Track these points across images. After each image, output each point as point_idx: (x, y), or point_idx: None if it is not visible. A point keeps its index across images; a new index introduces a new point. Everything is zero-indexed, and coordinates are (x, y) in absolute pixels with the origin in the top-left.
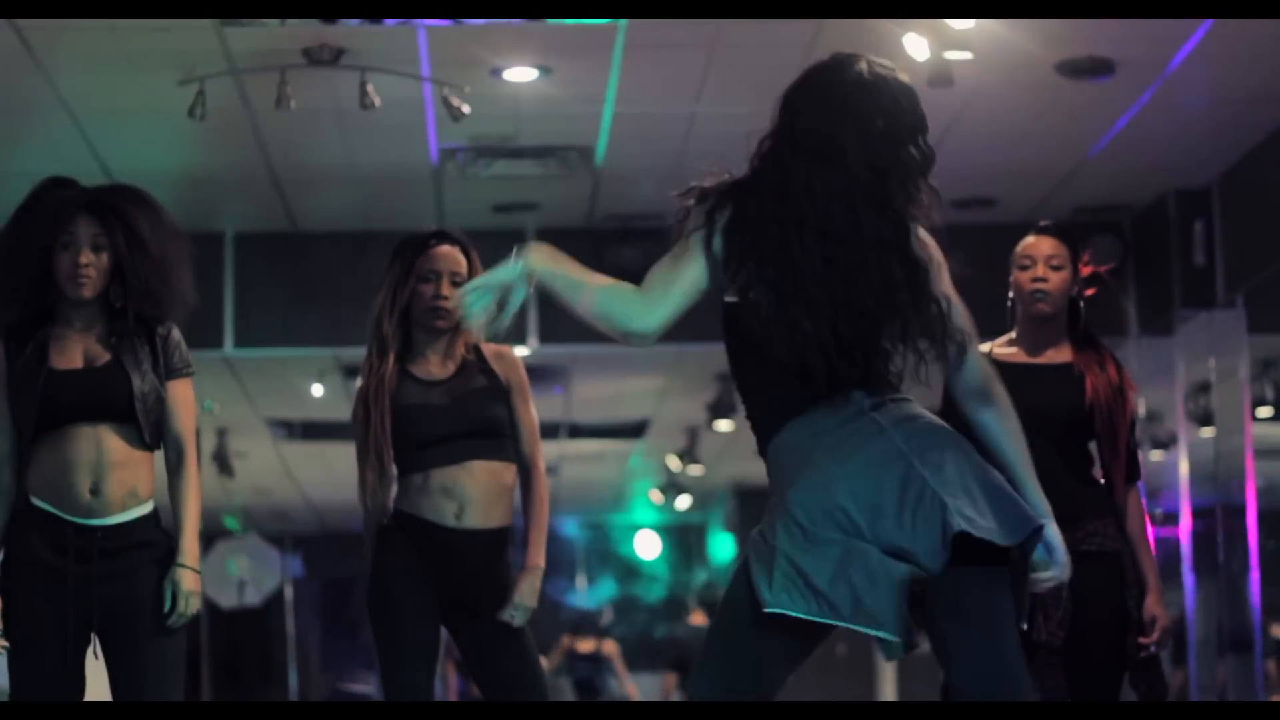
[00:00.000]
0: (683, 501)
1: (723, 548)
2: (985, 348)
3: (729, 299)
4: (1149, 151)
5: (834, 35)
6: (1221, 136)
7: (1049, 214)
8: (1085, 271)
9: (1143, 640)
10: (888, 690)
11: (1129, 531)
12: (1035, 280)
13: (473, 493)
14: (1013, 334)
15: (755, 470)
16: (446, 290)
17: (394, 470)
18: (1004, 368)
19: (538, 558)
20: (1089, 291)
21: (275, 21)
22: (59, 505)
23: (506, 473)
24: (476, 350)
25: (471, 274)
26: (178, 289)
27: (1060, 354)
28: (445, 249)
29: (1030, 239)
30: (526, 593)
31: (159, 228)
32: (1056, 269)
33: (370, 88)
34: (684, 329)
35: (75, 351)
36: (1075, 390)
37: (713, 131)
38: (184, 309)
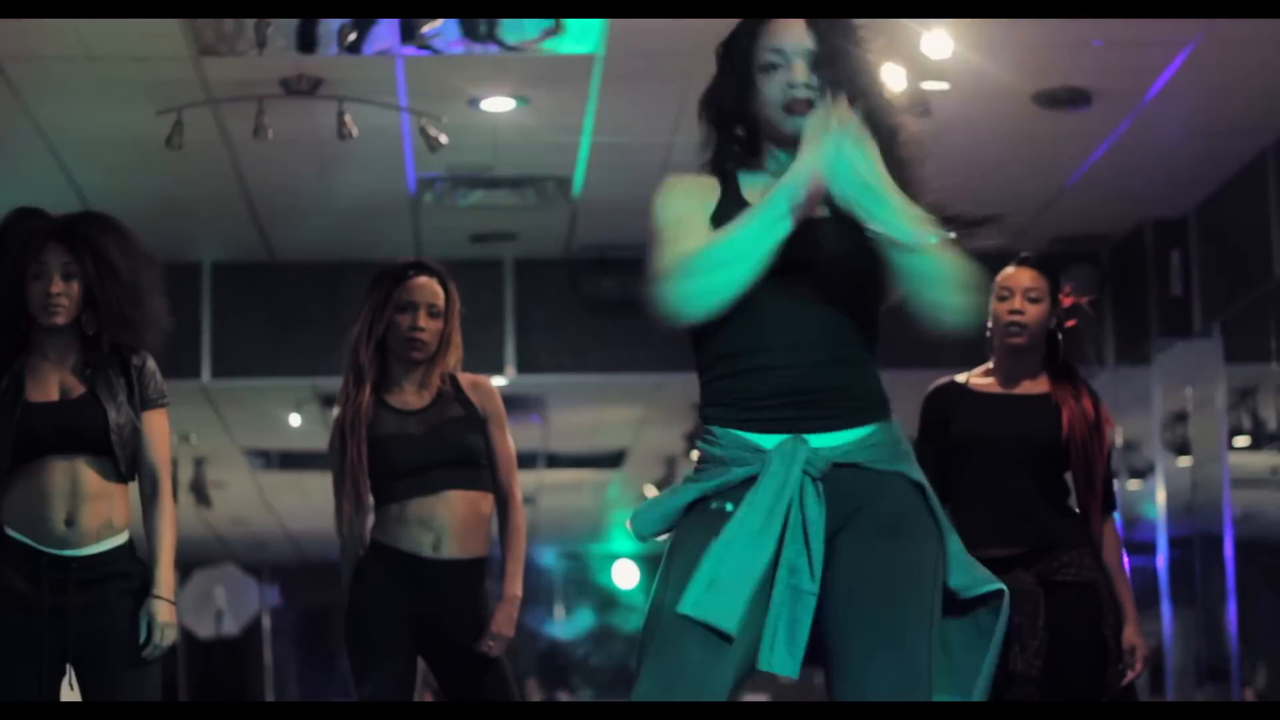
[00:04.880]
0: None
1: None
2: (962, 377)
3: None
4: (1126, 182)
5: None
6: (1198, 167)
7: (1026, 244)
8: (1066, 303)
9: (1124, 670)
10: None
11: (1105, 561)
12: (1012, 312)
13: (450, 523)
14: (990, 364)
15: None
16: (424, 321)
17: (371, 500)
18: (980, 398)
19: (515, 588)
20: (1069, 323)
21: (253, 51)
22: (34, 537)
23: (483, 502)
24: (453, 380)
25: (449, 305)
26: (151, 314)
27: (1037, 385)
28: (423, 280)
29: (1010, 270)
30: (504, 623)
31: (129, 254)
32: (1034, 301)
33: (348, 118)
34: (662, 360)
35: (51, 383)
36: (1052, 422)
37: (690, 162)
38: (158, 335)
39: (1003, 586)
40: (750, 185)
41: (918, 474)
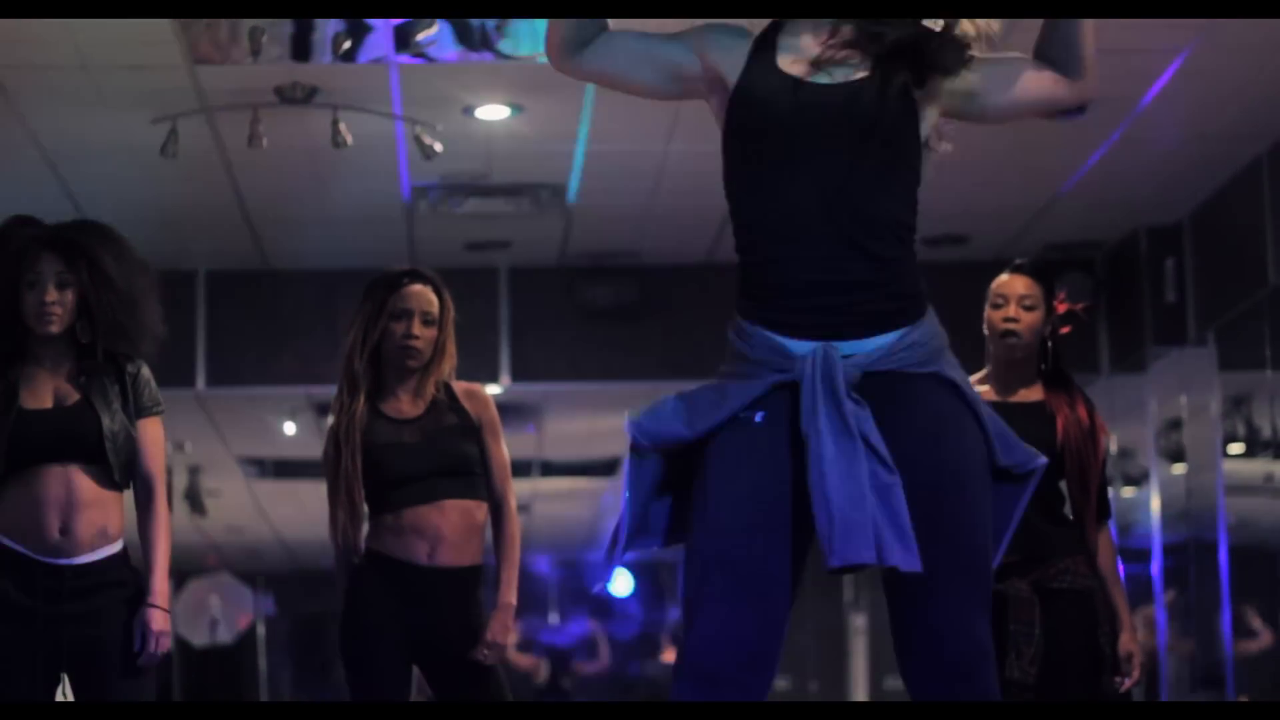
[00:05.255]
0: None
1: None
2: None
3: None
4: (1120, 189)
5: None
6: (1192, 174)
7: (1020, 251)
8: (1061, 309)
9: (1122, 678)
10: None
11: (1101, 569)
12: (1007, 320)
13: (444, 532)
14: (985, 371)
15: None
16: (418, 329)
17: (365, 509)
18: None
19: (510, 596)
20: (1064, 330)
21: (248, 60)
22: (27, 545)
23: (478, 511)
24: (447, 388)
25: (443, 313)
26: (145, 322)
27: (1032, 393)
28: (417, 288)
29: (1004, 277)
30: (498, 631)
31: (123, 262)
32: (1029, 309)
33: (342, 126)
34: (657, 367)
35: (45, 391)
36: (1046, 430)
37: (684, 169)
38: (153, 343)
39: (1044, 459)
40: (786, 52)
41: (951, 371)
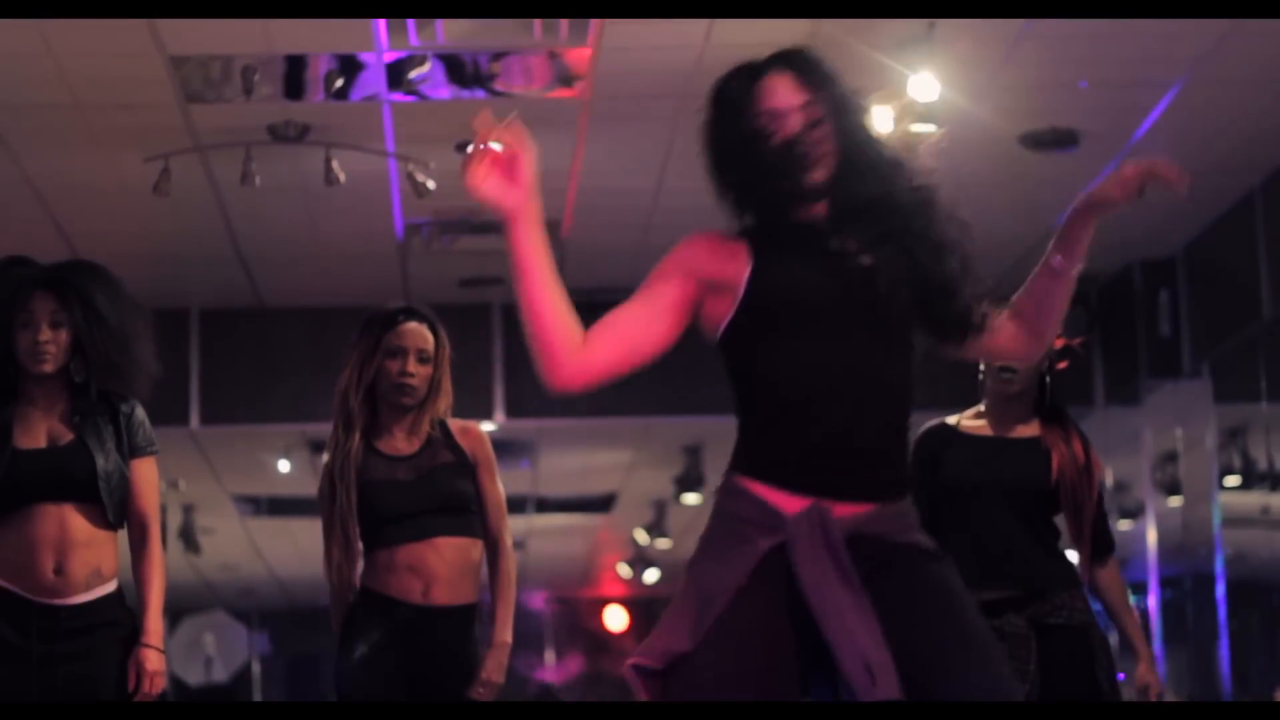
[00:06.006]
0: (650, 575)
1: None
2: (953, 419)
3: None
4: (1114, 222)
5: None
6: (1186, 207)
7: (1014, 286)
8: (1058, 344)
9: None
10: None
11: (1110, 603)
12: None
13: (439, 570)
14: (981, 407)
15: None
16: (413, 367)
17: (360, 546)
18: (971, 441)
19: (505, 634)
20: (1061, 365)
21: (240, 98)
22: (22, 585)
23: (473, 549)
24: (442, 426)
25: (438, 351)
26: (139, 361)
27: (1028, 429)
28: (412, 325)
29: None
30: (494, 669)
31: (117, 301)
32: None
33: (335, 164)
34: (651, 403)
35: (39, 431)
36: (1042, 465)
37: (677, 205)
38: (147, 381)
39: None
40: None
41: (928, 542)
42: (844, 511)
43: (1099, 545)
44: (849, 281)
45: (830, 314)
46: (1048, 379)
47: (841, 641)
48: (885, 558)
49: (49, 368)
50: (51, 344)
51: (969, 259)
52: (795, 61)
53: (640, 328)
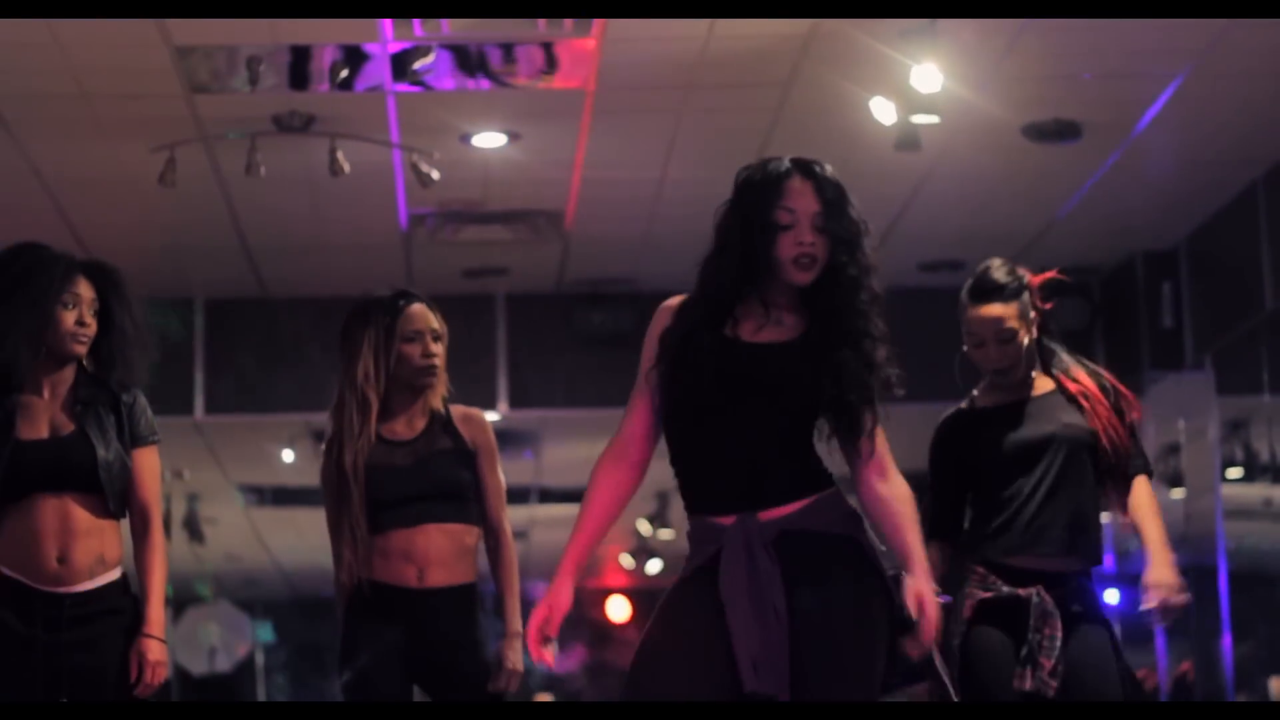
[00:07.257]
0: (653, 566)
1: None
2: (966, 404)
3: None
4: (1116, 214)
5: (801, 100)
6: (1188, 199)
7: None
8: (1035, 281)
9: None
10: None
11: (1133, 511)
12: (992, 361)
13: (431, 554)
14: (986, 381)
15: None
16: (433, 347)
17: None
18: (993, 413)
19: (516, 623)
20: (1047, 305)
21: (246, 88)
22: (26, 574)
23: (467, 535)
24: (445, 412)
25: (441, 330)
26: (147, 355)
27: (1044, 384)
28: (419, 307)
29: (976, 312)
30: (514, 659)
31: (138, 305)
32: (1008, 340)
33: (340, 154)
34: None
35: (41, 421)
36: (1073, 412)
37: (681, 196)
38: (147, 373)
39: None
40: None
41: (861, 535)
42: (769, 515)
43: (1134, 466)
44: (755, 360)
45: (714, 387)
46: (1042, 341)
47: (738, 634)
48: (821, 566)
49: (81, 351)
50: (90, 328)
51: (890, 379)
52: (815, 174)
53: (652, 415)
